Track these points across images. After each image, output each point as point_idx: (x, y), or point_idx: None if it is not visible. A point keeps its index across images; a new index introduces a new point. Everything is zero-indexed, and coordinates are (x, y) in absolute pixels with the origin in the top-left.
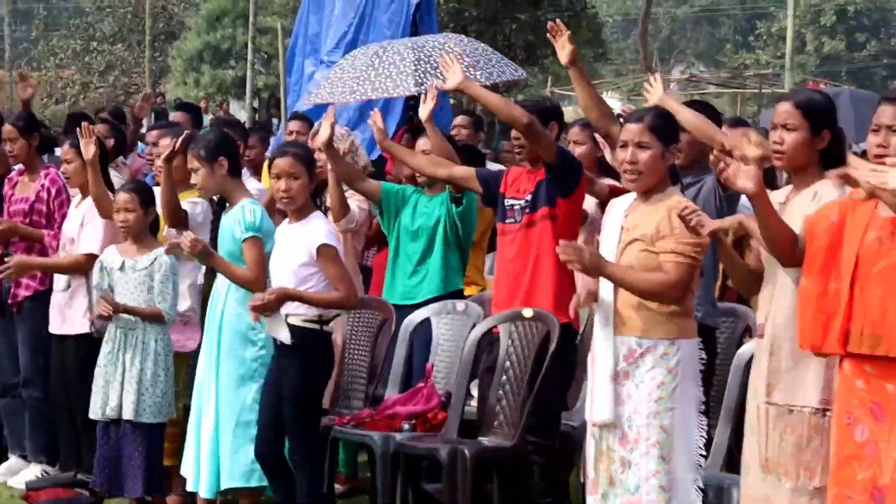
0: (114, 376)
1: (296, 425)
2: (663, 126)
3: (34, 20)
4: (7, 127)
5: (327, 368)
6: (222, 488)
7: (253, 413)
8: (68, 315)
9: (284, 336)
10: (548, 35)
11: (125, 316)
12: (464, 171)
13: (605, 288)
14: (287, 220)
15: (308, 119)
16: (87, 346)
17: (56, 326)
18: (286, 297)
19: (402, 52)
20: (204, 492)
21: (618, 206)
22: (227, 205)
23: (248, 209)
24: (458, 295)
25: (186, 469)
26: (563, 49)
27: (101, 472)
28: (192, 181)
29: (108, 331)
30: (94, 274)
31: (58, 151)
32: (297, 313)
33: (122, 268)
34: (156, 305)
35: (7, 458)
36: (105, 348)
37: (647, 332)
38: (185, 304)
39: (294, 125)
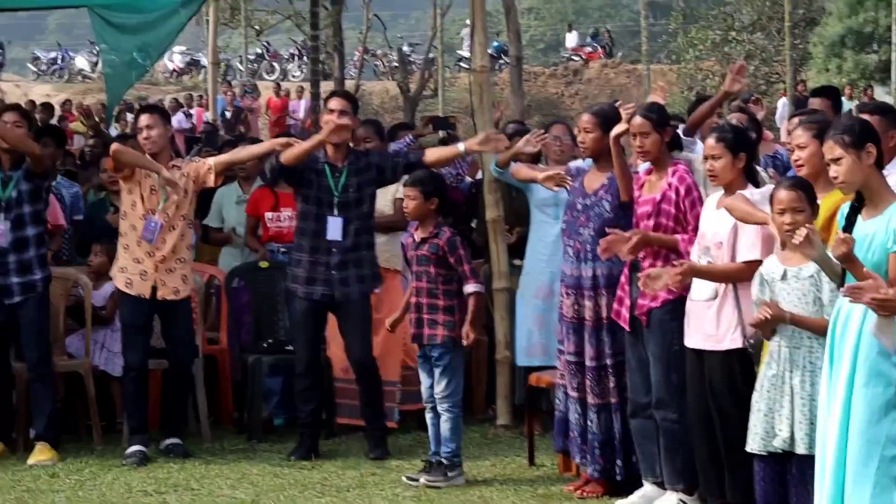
0: (780, 402)
1: None
2: None
3: (672, 13)
4: (638, 120)
5: None
6: None
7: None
8: (715, 328)
9: (889, 343)
10: None
11: (791, 330)
12: None
13: None
14: None
15: None
16: (739, 363)
17: (697, 340)
18: None
19: None
20: None
21: None
22: (860, 203)
23: None
24: None
25: None
26: None
27: None
28: (832, 173)
29: (772, 349)
30: (753, 287)
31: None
32: None
33: (783, 277)
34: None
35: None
36: (768, 370)
37: None
38: None
39: None
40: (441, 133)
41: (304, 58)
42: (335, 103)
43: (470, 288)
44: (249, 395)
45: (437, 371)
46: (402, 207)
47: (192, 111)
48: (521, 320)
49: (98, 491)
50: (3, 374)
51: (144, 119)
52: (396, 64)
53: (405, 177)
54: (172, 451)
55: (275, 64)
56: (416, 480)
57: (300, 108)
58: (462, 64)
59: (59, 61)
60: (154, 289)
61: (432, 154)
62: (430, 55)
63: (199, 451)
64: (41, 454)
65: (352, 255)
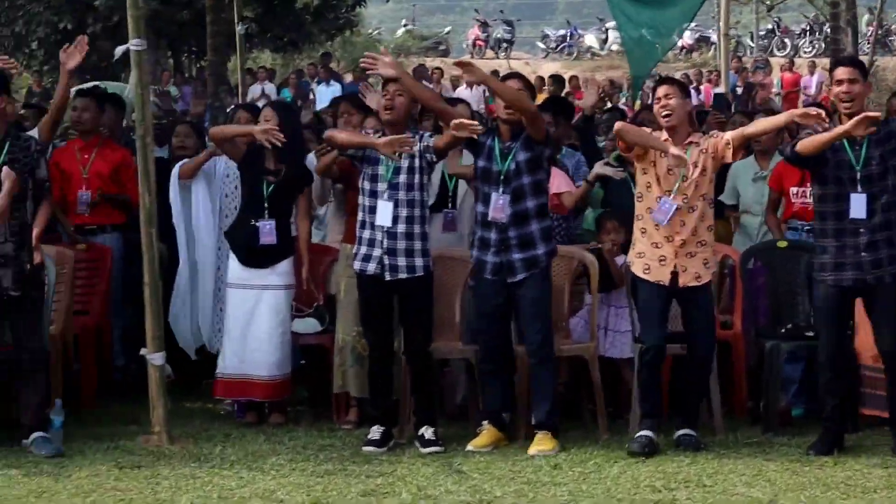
0: None
1: None
2: None
3: None
4: None
5: None
6: None
7: None
8: None
9: None
10: None
11: None
12: None
13: None
14: None
15: None
16: None
17: None
18: None
19: None
20: None
21: None
22: None
23: None
24: None
25: None
26: None
27: None
28: None
29: None
30: None
31: None
32: None
33: None
34: None
35: None
36: None
37: None
38: None
39: None
40: None
41: (816, 34)
42: (841, 72)
43: None
44: (766, 383)
45: None
46: None
47: (700, 87)
48: None
49: (603, 485)
50: (509, 356)
51: (662, 90)
52: None
53: None
54: (683, 443)
55: (786, 40)
56: None
57: (812, 83)
58: None
59: (567, 39)
60: (674, 275)
61: None
62: None
63: (710, 444)
64: (542, 444)
65: (881, 233)
